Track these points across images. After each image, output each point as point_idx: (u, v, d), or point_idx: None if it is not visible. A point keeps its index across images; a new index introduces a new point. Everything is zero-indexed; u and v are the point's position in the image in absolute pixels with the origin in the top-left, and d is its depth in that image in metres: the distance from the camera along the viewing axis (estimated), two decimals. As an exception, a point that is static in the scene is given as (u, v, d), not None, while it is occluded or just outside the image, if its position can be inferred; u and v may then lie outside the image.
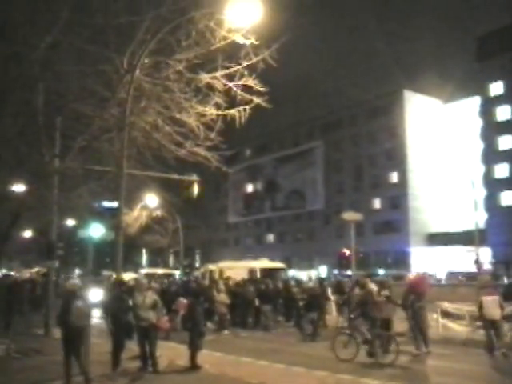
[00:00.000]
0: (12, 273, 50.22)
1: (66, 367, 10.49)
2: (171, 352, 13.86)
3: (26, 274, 39.52)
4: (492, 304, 14.86)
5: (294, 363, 12.97)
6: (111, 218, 15.49)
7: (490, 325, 14.90)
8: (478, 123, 65.98)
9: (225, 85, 11.39)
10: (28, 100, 12.34)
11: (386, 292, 15.28)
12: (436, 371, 12.93)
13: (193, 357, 12.37)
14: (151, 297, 12.40)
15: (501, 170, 62.90)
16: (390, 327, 14.72)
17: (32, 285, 25.18)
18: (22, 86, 11.78)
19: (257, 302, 21.23)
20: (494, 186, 62.37)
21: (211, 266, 37.44)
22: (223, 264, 38.42)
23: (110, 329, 12.01)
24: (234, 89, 11.28)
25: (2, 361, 13.05)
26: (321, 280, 25.51)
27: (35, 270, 40.14)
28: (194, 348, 12.39)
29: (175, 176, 20.13)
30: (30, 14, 10.45)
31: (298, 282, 23.64)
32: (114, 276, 13.70)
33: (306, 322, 18.56)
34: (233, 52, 11.01)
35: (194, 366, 12.33)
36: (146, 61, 11.65)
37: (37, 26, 10.65)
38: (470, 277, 36.96)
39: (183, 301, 16.88)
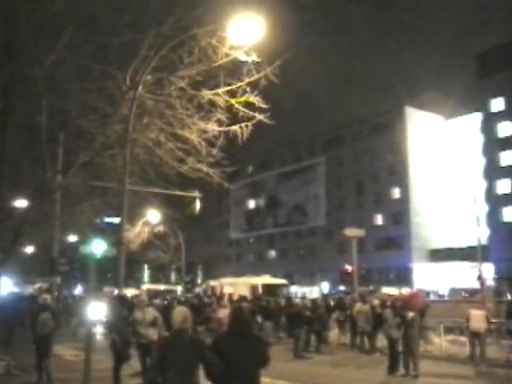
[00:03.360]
0: (15, 289, 50.06)
1: (39, 371, 12.43)
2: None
3: (29, 289, 39.38)
4: (478, 318, 15.51)
5: (295, 380, 12.89)
6: (113, 233, 15.46)
7: (475, 337, 15.53)
8: (480, 139, 66.04)
9: (227, 101, 11.44)
10: (31, 116, 12.41)
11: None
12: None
13: None
14: (151, 313, 12.33)
15: (503, 186, 62.84)
16: (396, 347, 14.56)
17: (33, 301, 25.10)
18: (26, 103, 11.85)
19: (259, 319, 21.15)
20: (496, 201, 62.28)
21: (213, 282, 37.42)
22: (225, 280, 38.41)
23: (114, 345, 11.90)
24: (236, 105, 11.32)
25: (2, 378, 12.99)
26: (323, 297, 25.42)
27: (37, 285, 40.00)
28: None
29: (177, 192, 20.15)
30: (34, 31, 10.54)
31: (288, 298, 23.64)
32: (116, 292, 13.70)
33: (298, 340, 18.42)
34: (235, 69, 11.07)
35: None
36: (148, 78, 11.73)
37: (41, 43, 10.74)
38: (472, 293, 36.76)
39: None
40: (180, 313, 6.08)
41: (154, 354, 5.98)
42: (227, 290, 32.92)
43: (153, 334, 11.97)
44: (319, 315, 20.07)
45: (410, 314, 14.48)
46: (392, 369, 14.28)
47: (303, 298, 24.74)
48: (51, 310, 13.70)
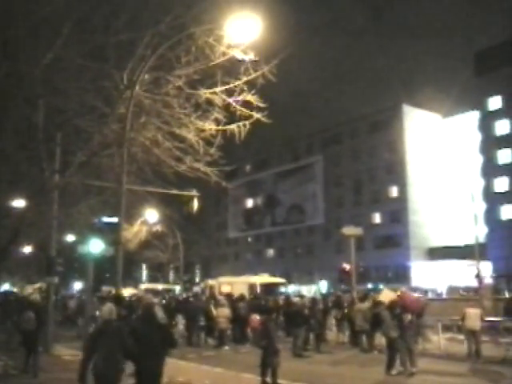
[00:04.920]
0: (14, 289, 50.05)
1: (25, 363, 13.55)
2: (171, 368, 13.75)
3: (29, 290, 39.29)
4: (473, 316, 15.87)
5: (294, 379, 12.88)
6: (111, 233, 15.45)
7: (471, 335, 15.84)
8: (477, 137, 66.12)
9: (224, 100, 11.43)
10: (28, 116, 12.38)
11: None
12: None
13: (274, 374, 11.85)
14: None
15: (500, 184, 62.93)
16: (394, 346, 14.55)
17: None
18: (23, 102, 11.82)
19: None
20: (493, 199, 62.35)
21: (211, 282, 37.39)
22: (223, 279, 38.34)
23: None
24: (234, 104, 11.31)
25: None
26: (321, 296, 25.38)
27: (37, 285, 39.86)
28: (270, 366, 11.81)
29: (175, 191, 20.12)
30: (31, 30, 10.51)
31: (286, 297, 23.60)
32: (113, 292, 13.70)
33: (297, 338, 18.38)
34: (232, 68, 11.05)
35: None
36: (145, 77, 11.70)
37: (38, 42, 10.71)
38: (470, 291, 36.85)
39: (256, 317, 16.77)
40: (107, 308, 8.11)
41: (89, 338, 8.10)
42: (225, 289, 32.90)
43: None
44: (315, 313, 20.05)
45: (408, 318, 14.52)
46: (390, 367, 14.30)
47: (302, 296, 24.68)
48: (36, 308, 14.65)
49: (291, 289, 48.95)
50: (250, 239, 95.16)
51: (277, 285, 35.16)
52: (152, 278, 77.16)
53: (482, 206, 60.23)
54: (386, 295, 18.73)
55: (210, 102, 11.64)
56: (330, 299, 25.30)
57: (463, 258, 50.90)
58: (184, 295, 34.95)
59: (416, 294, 22.89)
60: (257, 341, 12.83)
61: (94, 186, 15.42)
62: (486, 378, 13.96)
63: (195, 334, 21.65)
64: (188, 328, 21.49)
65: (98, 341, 7.64)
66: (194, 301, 24.50)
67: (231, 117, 11.67)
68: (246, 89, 11.08)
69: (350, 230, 29.48)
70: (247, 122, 11.50)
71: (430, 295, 38.78)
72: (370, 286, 52.84)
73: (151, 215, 31.64)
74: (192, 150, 12.16)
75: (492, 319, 19.07)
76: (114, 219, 14.71)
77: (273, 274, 48.23)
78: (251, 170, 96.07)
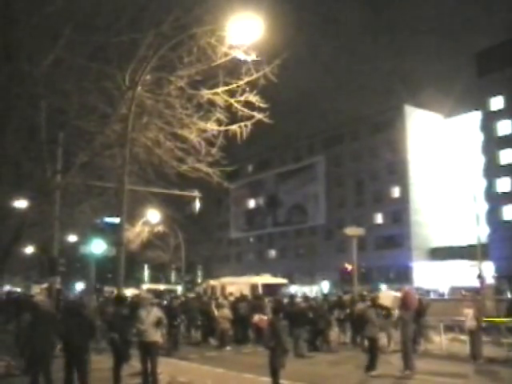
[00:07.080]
0: (18, 289, 50.10)
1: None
2: (173, 368, 13.79)
3: (36, 290, 39.26)
4: (468, 316, 16.11)
5: (296, 380, 12.88)
6: (113, 233, 15.47)
7: (469, 335, 16.19)
8: (479, 138, 66.02)
9: (226, 101, 11.44)
10: (31, 116, 12.42)
11: None
12: None
13: (275, 375, 11.62)
14: (155, 313, 12.18)
15: (502, 184, 62.84)
16: (374, 346, 14.47)
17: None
18: (25, 103, 11.85)
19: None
20: (495, 200, 62.25)
21: (213, 282, 37.37)
22: (225, 280, 38.35)
23: (113, 344, 11.80)
24: (235, 105, 11.32)
25: (2, 378, 12.96)
26: (323, 296, 25.25)
27: (44, 285, 39.90)
28: (278, 366, 11.63)
29: (177, 192, 20.14)
30: (33, 32, 10.54)
31: (291, 296, 23.54)
32: (115, 292, 13.68)
33: (298, 339, 18.32)
34: (234, 68, 11.08)
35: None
36: (147, 77, 11.72)
37: (40, 43, 10.74)
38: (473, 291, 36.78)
39: (263, 317, 16.63)
40: (45, 301, 12.12)
41: (30, 323, 10.76)
42: (229, 289, 32.85)
43: (155, 333, 11.82)
44: (324, 313, 20.00)
45: (408, 314, 14.50)
46: (371, 367, 14.14)
47: (314, 298, 24.57)
48: (34, 310, 14.50)
49: (293, 289, 48.90)
50: (251, 240, 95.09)
51: (279, 285, 35.16)
52: (154, 279, 77.27)
53: (484, 207, 60.11)
54: (386, 296, 18.71)
55: (211, 103, 11.67)
56: (330, 299, 25.21)
57: (465, 258, 50.83)
58: (187, 295, 34.94)
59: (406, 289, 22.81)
60: (265, 341, 12.63)
61: (96, 186, 15.46)
62: (488, 378, 13.95)
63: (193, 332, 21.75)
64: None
65: (35, 323, 10.50)
66: (195, 301, 24.47)
67: (233, 117, 11.69)
68: (247, 89, 11.10)
69: (352, 231, 29.45)
70: (249, 123, 11.52)
71: (432, 296, 38.69)
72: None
73: (153, 215, 31.65)
74: (194, 150, 12.19)
75: (488, 319, 18.99)
76: (116, 219, 14.74)
77: (274, 275, 48.28)
78: (253, 171, 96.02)
